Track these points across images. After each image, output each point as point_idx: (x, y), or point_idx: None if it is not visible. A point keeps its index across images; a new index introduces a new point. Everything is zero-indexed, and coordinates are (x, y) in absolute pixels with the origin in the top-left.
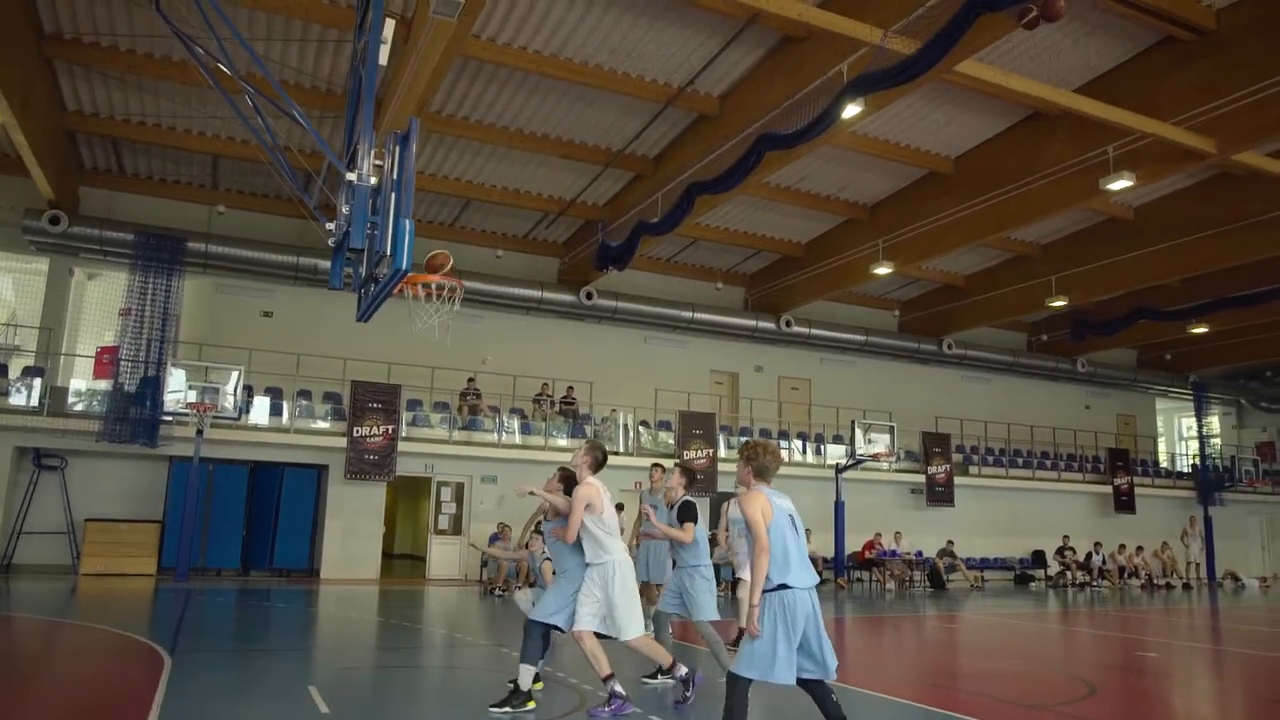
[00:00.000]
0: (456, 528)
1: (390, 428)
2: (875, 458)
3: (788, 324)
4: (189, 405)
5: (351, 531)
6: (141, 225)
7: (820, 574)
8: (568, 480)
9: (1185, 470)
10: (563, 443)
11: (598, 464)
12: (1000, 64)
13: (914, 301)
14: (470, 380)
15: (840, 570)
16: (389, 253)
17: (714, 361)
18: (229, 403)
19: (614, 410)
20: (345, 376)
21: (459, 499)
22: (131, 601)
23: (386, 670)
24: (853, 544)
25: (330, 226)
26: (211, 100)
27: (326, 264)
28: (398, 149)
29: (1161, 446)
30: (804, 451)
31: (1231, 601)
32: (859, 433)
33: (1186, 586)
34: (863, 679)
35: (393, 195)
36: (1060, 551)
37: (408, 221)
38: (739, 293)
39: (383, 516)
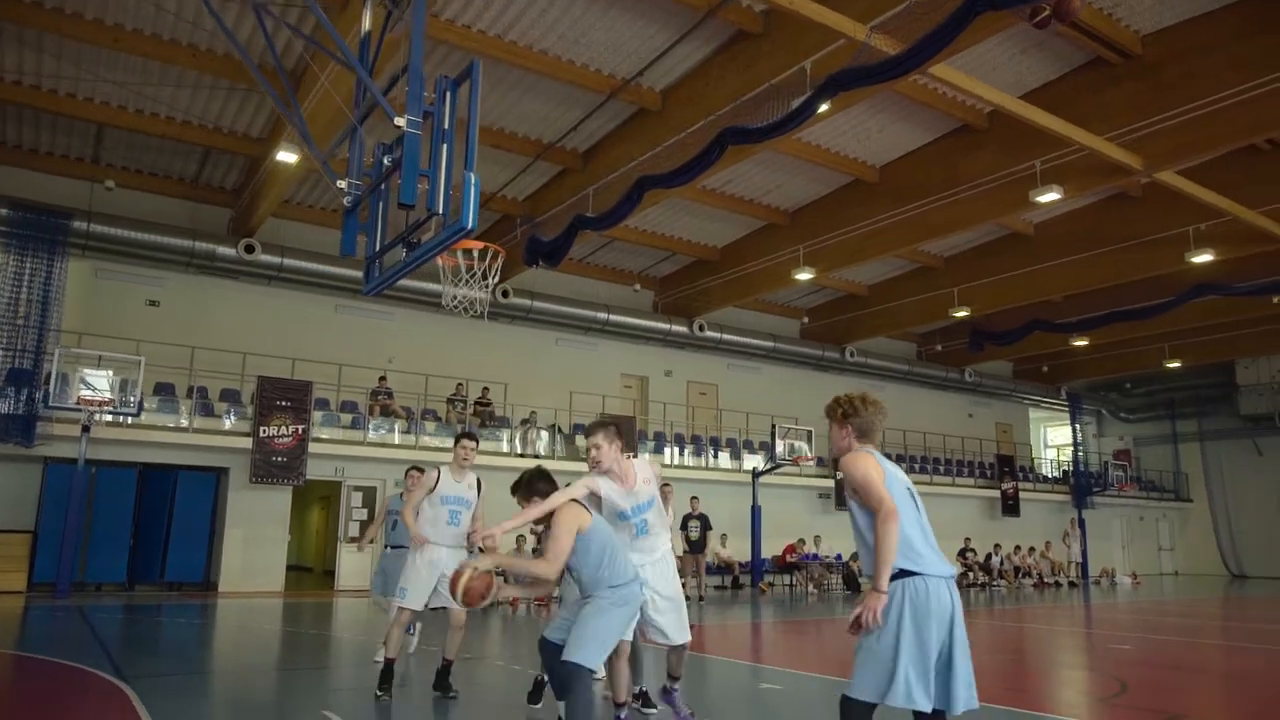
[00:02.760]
0: (365, 534)
1: (300, 427)
2: (796, 462)
3: (701, 328)
4: (79, 400)
5: (254, 540)
6: (14, 199)
7: (737, 579)
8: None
9: (1057, 476)
10: (484, 446)
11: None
12: (939, 81)
13: (818, 309)
14: (381, 379)
15: (758, 574)
16: (440, 210)
17: (624, 365)
18: (125, 398)
19: (534, 413)
20: (244, 372)
21: (370, 504)
22: (21, 623)
23: (399, 689)
24: (766, 549)
25: (342, 184)
26: (103, 61)
27: (224, 250)
28: (448, 94)
29: (1036, 454)
30: (716, 456)
31: (1127, 596)
32: (779, 437)
33: (1072, 585)
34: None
35: (445, 146)
36: (962, 553)
37: (472, 174)
38: (649, 296)
39: (288, 524)
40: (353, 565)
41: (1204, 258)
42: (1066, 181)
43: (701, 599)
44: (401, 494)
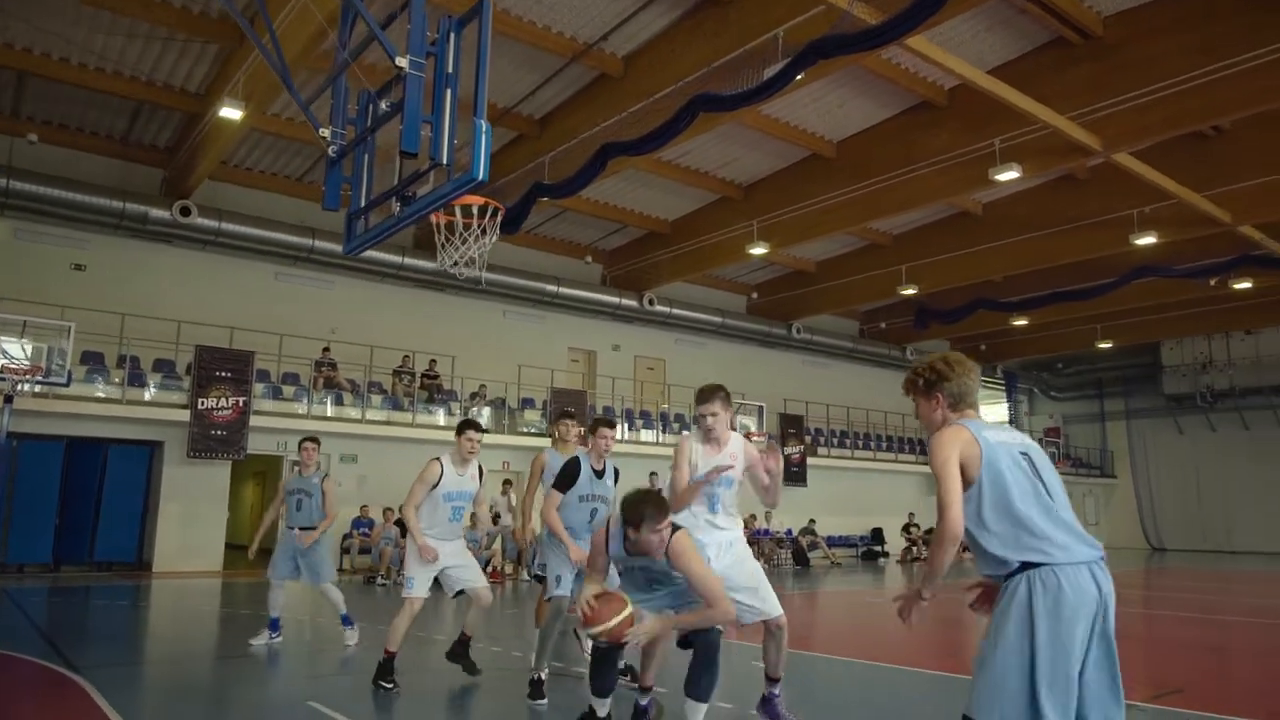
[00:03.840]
0: None
1: (241, 400)
2: (748, 437)
3: (651, 302)
4: (0, 370)
5: (191, 518)
6: None
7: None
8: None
9: None
10: (440, 420)
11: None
12: (903, 56)
13: (766, 285)
14: (325, 350)
15: None
16: (445, 160)
17: (572, 339)
18: (51, 367)
19: (483, 386)
20: (179, 341)
21: None
22: None
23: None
24: None
25: (325, 133)
26: (24, 3)
27: (158, 212)
28: (452, 34)
29: None
30: (665, 431)
31: None
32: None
33: None
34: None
35: (449, 90)
36: (906, 528)
37: (484, 122)
38: (597, 269)
39: (227, 500)
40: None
41: (1147, 240)
42: (1025, 160)
43: None
44: (299, 470)
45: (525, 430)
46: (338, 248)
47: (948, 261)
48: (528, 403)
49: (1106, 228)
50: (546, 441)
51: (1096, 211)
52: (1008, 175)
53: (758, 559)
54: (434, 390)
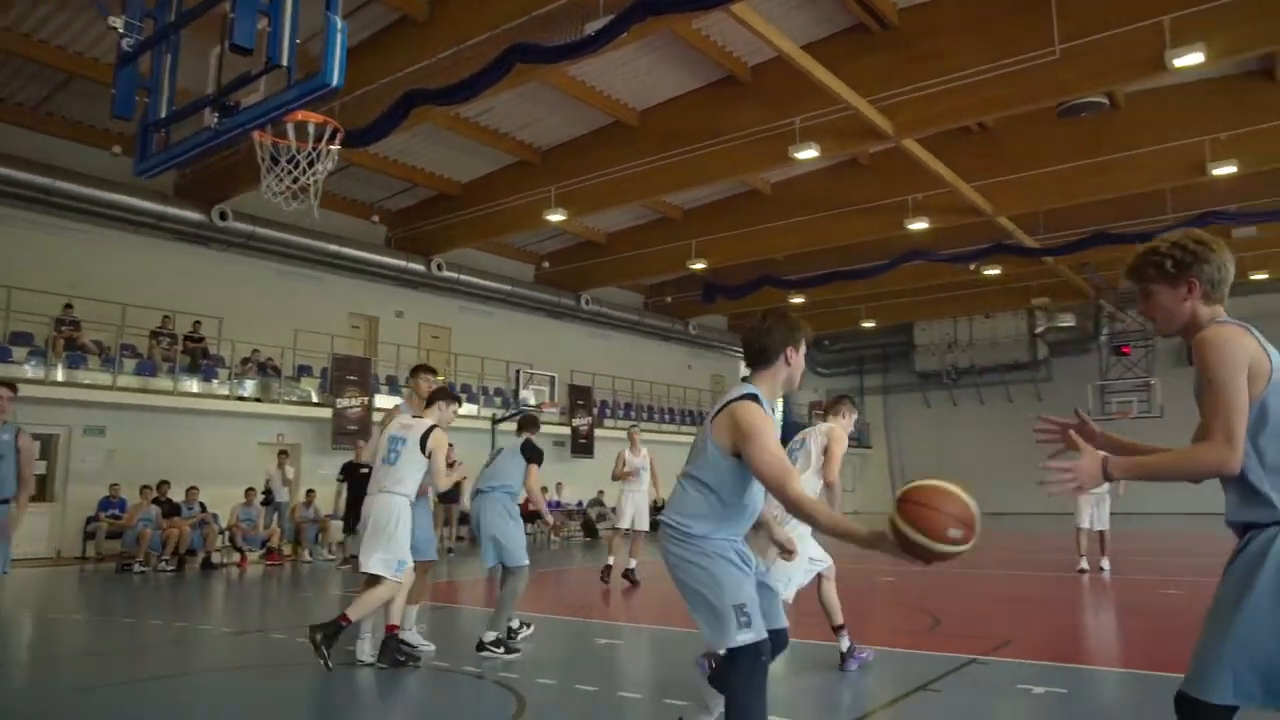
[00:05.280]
0: (45, 493)
1: None
2: (540, 408)
3: (439, 268)
4: None
5: None
6: None
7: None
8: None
9: None
10: (194, 388)
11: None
12: (715, 27)
13: (556, 255)
14: (68, 307)
15: None
16: (286, 61)
17: (353, 303)
18: None
19: (255, 351)
20: None
21: (50, 456)
22: None
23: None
24: None
25: (117, 24)
26: None
27: None
28: None
29: None
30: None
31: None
32: (522, 384)
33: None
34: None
35: None
36: None
37: (338, 19)
38: (381, 230)
39: None
40: (25, 528)
41: (920, 225)
42: (823, 140)
43: (450, 551)
44: None
45: (299, 399)
46: (84, 190)
47: (736, 238)
48: (304, 370)
49: (884, 212)
50: (326, 411)
51: (875, 196)
52: (807, 154)
53: (548, 532)
54: (198, 355)
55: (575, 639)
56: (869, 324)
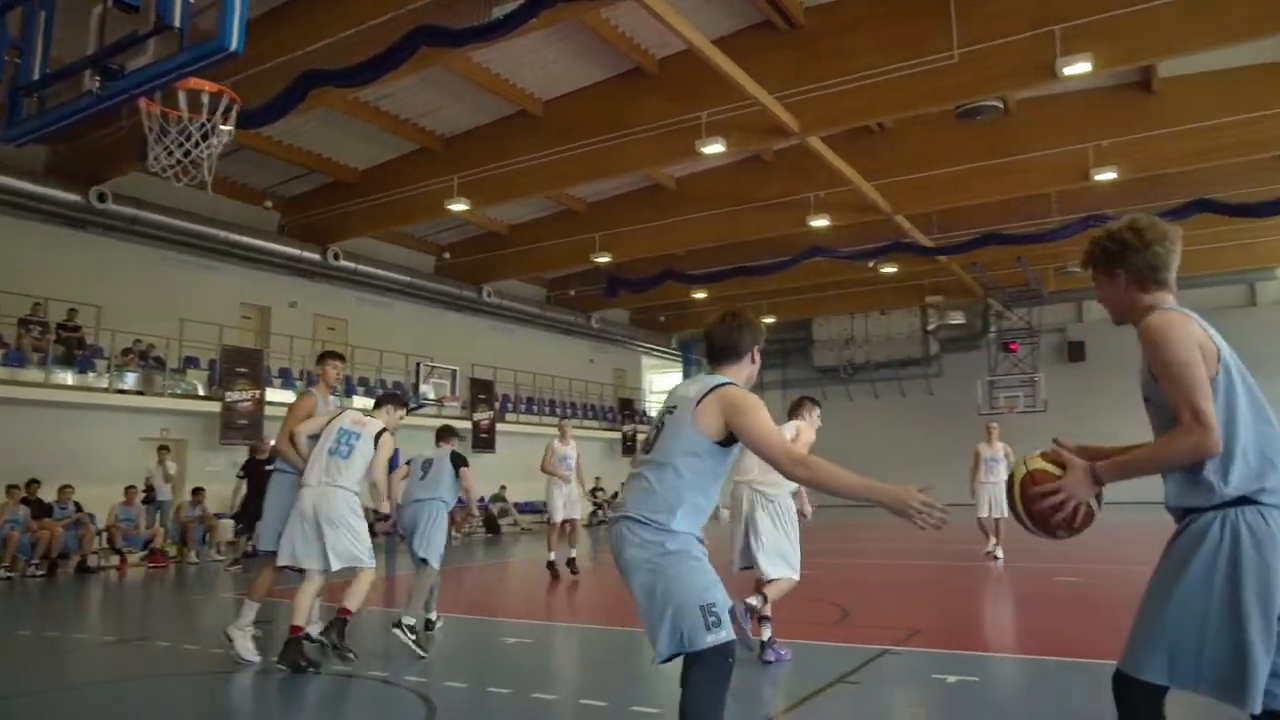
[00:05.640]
0: None
1: None
2: (441, 402)
3: (335, 257)
4: None
5: None
6: None
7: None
8: None
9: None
10: (69, 380)
11: None
12: (624, 18)
13: (457, 246)
14: None
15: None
16: (178, 22)
17: (244, 293)
18: None
19: (136, 341)
20: None
21: None
22: None
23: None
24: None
25: None
26: None
27: None
28: None
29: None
30: (350, 395)
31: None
32: (423, 378)
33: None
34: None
35: None
36: (593, 492)
37: None
38: (274, 217)
39: None
40: None
41: (821, 222)
42: (730, 135)
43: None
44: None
45: (184, 392)
46: None
47: (640, 232)
48: (191, 362)
49: (787, 209)
50: (215, 405)
51: (779, 193)
52: (713, 148)
53: (448, 528)
54: (73, 345)
55: (485, 639)
56: (770, 319)
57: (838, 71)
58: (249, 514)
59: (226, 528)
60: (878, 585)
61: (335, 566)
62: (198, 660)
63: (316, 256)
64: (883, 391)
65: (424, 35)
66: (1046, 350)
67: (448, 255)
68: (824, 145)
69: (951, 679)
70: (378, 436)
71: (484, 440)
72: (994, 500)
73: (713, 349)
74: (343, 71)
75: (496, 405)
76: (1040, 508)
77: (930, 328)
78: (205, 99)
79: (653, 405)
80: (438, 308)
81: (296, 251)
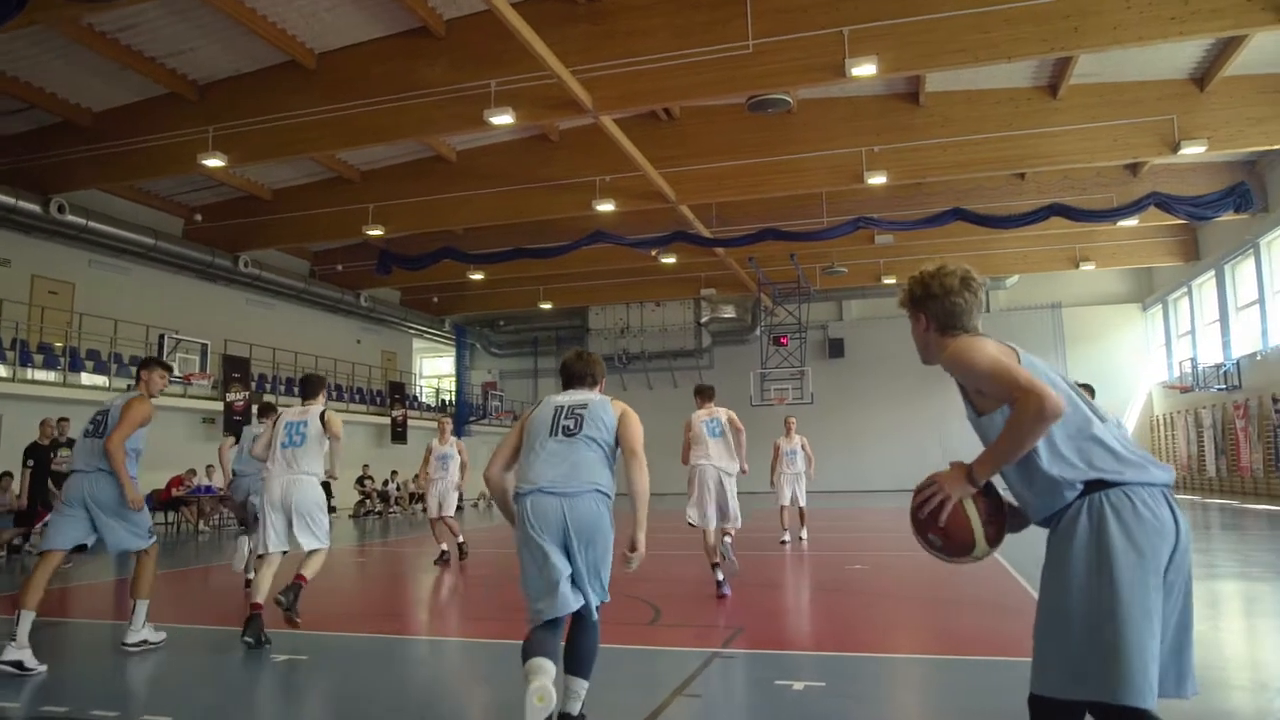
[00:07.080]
0: None
1: None
2: (188, 380)
3: (60, 210)
4: None
5: None
6: None
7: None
8: None
9: (436, 405)
10: None
11: None
12: None
13: (210, 209)
14: None
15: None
16: None
17: None
18: None
19: None
20: None
21: None
22: None
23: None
24: (148, 483)
25: None
26: None
27: None
28: None
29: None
30: (77, 371)
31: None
32: (168, 351)
33: (474, 506)
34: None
35: None
36: (361, 481)
37: None
38: None
39: None
40: None
41: (607, 207)
42: (520, 107)
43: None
44: None
45: None
46: None
47: (417, 205)
48: None
49: (572, 191)
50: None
51: (564, 174)
52: (502, 119)
53: (196, 520)
54: None
55: (245, 655)
56: (546, 305)
57: (633, 50)
58: (35, 501)
59: None
60: (675, 578)
61: (299, 548)
62: None
63: (36, 208)
64: (657, 382)
65: None
66: (814, 345)
67: (199, 218)
68: (615, 127)
69: (798, 685)
70: (322, 415)
71: (237, 423)
72: (795, 491)
73: (571, 376)
74: None
75: (252, 385)
76: (913, 508)
77: (703, 320)
78: None
79: (424, 390)
80: (187, 276)
81: (10, 200)
